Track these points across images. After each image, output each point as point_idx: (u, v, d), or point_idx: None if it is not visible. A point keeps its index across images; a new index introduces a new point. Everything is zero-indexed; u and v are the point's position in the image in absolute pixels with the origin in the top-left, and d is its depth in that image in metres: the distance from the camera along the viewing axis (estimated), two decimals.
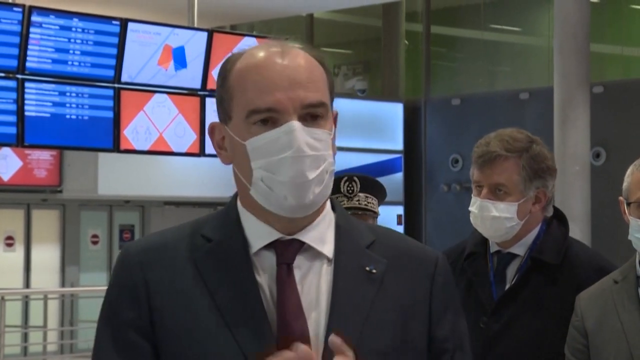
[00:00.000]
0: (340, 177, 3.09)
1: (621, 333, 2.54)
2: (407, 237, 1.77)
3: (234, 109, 1.63)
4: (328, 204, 1.69)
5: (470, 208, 2.83)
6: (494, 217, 2.76)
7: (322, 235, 1.65)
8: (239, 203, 1.68)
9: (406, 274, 1.67)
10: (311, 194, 1.59)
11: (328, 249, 1.65)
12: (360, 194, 3.08)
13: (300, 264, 1.63)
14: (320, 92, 1.63)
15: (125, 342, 1.61)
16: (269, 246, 1.63)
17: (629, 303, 2.57)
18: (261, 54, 1.64)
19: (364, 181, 3.12)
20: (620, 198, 2.62)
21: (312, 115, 1.61)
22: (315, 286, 1.63)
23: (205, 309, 1.60)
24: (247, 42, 9.29)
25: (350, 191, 3.07)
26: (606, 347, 2.55)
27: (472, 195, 2.83)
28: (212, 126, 1.69)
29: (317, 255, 1.64)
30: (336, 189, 3.07)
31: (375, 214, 3.14)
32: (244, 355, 1.57)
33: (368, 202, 3.10)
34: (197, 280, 1.62)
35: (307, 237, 1.64)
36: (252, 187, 1.61)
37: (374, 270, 1.65)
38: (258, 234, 1.64)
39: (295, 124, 1.58)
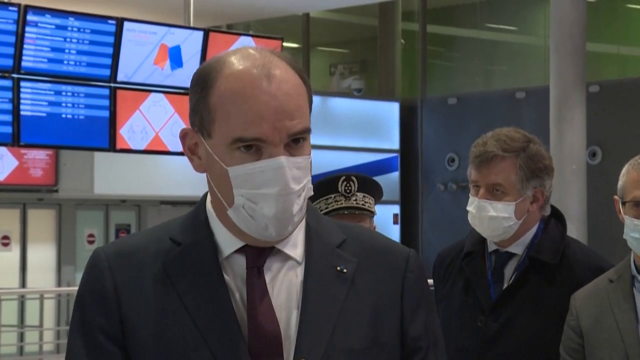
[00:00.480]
0: (338, 177, 3.08)
1: (617, 332, 2.54)
2: (378, 235, 1.76)
3: (216, 131, 1.59)
4: None
5: (468, 208, 2.82)
6: (491, 216, 2.76)
7: (293, 239, 1.64)
8: (208, 206, 1.66)
9: (377, 272, 1.66)
10: (291, 226, 1.59)
11: (299, 252, 1.64)
12: (357, 194, 3.07)
13: (270, 265, 1.62)
14: (305, 118, 1.59)
15: (96, 348, 1.60)
16: (239, 250, 1.62)
17: (624, 302, 2.57)
18: (245, 77, 1.58)
19: (362, 180, 3.11)
20: (615, 197, 2.62)
21: (296, 139, 1.59)
22: (285, 287, 1.62)
23: (176, 314, 1.58)
24: (243, 42, 9.29)
25: (348, 191, 3.06)
26: (602, 346, 2.55)
27: (470, 195, 2.83)
28: (185, 132, 1.65)
29: (287, 257, 1.64)
30: (333, 188, 3.06)
31: (372, 214, 3.14)
32: (215, 359, 1.56)
33: (365, 202, 3.09)
34: (167, 285, 1.60)
35: (279, 242, 1.63)
36: (232, 210, 1.59)
37: (345, 270, 1.63)
38: (228, 239, 1.63)
39: (283, 160, 1.55)
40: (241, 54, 1.62)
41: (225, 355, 1.56)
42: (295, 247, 1.64)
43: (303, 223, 1.66)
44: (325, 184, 3.05)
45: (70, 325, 1.65)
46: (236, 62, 1.60)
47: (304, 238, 1.66)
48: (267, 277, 1.61)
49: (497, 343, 2.75)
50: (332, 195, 3.05)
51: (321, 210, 3.02)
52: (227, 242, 1.62)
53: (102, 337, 1.60)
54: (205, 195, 1.69)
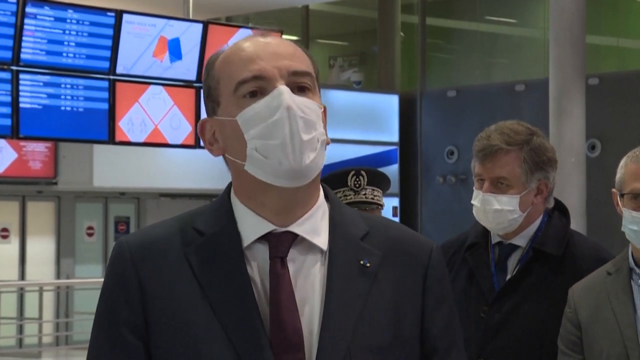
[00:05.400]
0: (347, 171, 3.08)
1: (615, 324, 2.54)
2: (401, 226, 1.75)
3: (222, 91, 1.64)
4: (321, 194, 1.67)
5: (472, 201, 2.82)
6: (496, 209, 2.76)
7: (315, 226, 1.62)
8: (232, 195, 1.66)
9: (400, 266, 1.65)
10: (306, 158, 1.57)
11: (322, 241, 1.62)
12: (367, 188, 3.08)
13: (294, 257, 1.60)
14: (305, 65, 1.63)
15: (120, 341, 1.60)
16: (262, 239, 1.61)
17: (622, 295, 2.57)
18: (245, 41, 1.67)
19: (371, 174, 3.11)
20: (613, 190, 2.62)
21: (300, 86, 1.61)
22: (309, 280, 1.60)
23: (198, 305, 1.58)
24: (243, 34, 9.28)
25: (358, 185, 3.07)
26: (600, 338, 2.55)
27: (474, 188, 2.83)
28: (202, 123, 1.68)
29: (310, 247, 1.62)
30: (343, 183, 3.07)
31: (381, 207, 3.14)
32: (236, 352, 1.56)
33: (374, 196, 3.10)
34: (190, 276, 1.60)
35: (301, 229, 1.61)
36: (247, 161, 1.59)
37: (368, 264, 1.62)
38: (251, 227, 1.61)
39: (283, 88, 1.58)
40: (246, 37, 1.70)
41: (246, 348, 1.55)
42: (319, 234, 1.62)
43: (326, 212, 1.65)
44: (334, 178, 3.06)
45: (95, 317, 1.65)
46: (238, 41, 1.68)
47: (328, 229, 1.64)
48: (291, 269, 1.59)
49: (500, 333, 2.76)
50: (342, 190, 3.06)
51: None
52: (250, 230, 1.61)
53: (125, 330, 1.60)
54: (228, 187, 1.68)
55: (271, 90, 1.59)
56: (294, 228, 1.61)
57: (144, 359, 1.59)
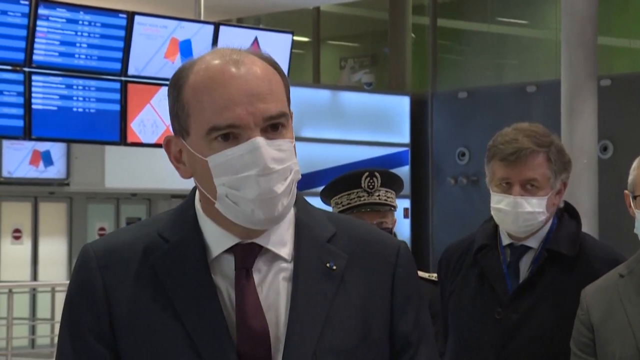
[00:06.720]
0: (361, 172, 3.08)
1: (627, 327, 2.54)
2: (369, 227, 1.75)
3: (192, 126, 1.58)
4: None
5: (495, 205, 2.78)
6: (528, 212, 2.75)
7: (281, 237, 1.62)
8: (197, 204, 1.65)
9: (367, 266, 1.65)
10: (280, 206, 1.56)
11: (287, 252, 1.62)
12: (381, 189, 3.08)
13: (259, 267, 1.61)
14: (280, 103, 1.58)
15: (85, 349, 1.60)
16: (228, 250, 1.61)
17: (635, 297, 2.56)
18: (215, 67, 1.59)
19: (385, 176, 3.10)
20: (626, 191, 2.61)
21: (273, 125, 1.57)
22: (274, 288, 1.60)
23: (164, 314, 1.58)
24: (253, 35, 9.29)
25: (371, 187, 3.06)
26: (612, 340, 2.55)
27: (495, 192, 2.79)
28: (168, 140, 1.64)
29: (276, 257, 1.62)
30: (356, 185, 3.06)
31: (394, 208, 3.14)
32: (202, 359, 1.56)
33: (388, 197, 3.09)
34: (155, 285, 1.60)
35: (266, 240, 1.61)
36: (218, 202, 1.58)
37: (334, 267, 1.62)
38: (216, 239, 1.61)
39: (260, 141, 1.54)
40: (212, 52, 1.63)
41: (213, 355, 1.55)
42: (285, 245, 1.62)
43: (292, 219, 1.65)
44: (347, 179, 3.05)
45: (60, 326, 1.64)
46: (206, 58, 1.61)
47: (294, 233, 1.64)
48: (256, 278, 1.59)
49: (518, 334, 2.76)
50: (355, 191, 3.05)
51: (343, 205, 3.03)
52: (217, 242, 1.61)
53: (91, 338, 1.59)
54: (194, 191, 1.67)
55: (245, 137, 1.55)
56: (260, 240, 1.61)
57: None
